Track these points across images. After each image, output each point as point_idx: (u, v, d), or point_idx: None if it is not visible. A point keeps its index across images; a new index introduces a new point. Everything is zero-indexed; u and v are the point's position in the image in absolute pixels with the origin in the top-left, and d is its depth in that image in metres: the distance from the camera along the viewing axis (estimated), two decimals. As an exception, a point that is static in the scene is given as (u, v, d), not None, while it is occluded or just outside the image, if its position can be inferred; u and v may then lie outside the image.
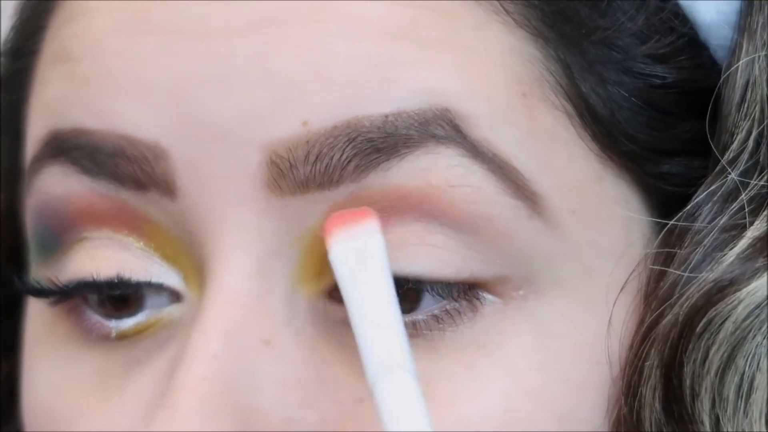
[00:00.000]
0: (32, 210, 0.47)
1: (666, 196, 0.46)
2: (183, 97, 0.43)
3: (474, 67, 0.43)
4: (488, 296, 0.44)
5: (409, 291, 0.43)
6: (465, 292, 0.43)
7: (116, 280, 0.45)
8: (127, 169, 0.44)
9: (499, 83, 0.43)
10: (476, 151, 0.43)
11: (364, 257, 0.42)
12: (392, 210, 0.43)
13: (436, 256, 0.43)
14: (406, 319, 0.43)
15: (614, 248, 0.45)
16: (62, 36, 0.47)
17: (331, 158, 0.42)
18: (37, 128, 0.47)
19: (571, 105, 0.44)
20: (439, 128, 0.43)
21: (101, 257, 0.46)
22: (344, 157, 0.42)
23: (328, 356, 0.44)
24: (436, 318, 0.43)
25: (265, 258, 0.44)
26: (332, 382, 0.43)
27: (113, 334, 0.46)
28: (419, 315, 0.43)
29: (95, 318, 0.46)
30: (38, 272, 0.48)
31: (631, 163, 0.45)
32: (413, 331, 0.43)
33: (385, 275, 0.42)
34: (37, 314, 0.49)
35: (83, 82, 0.45)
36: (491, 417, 0.43)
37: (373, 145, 0.42)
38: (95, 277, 0.45)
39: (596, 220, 0.45)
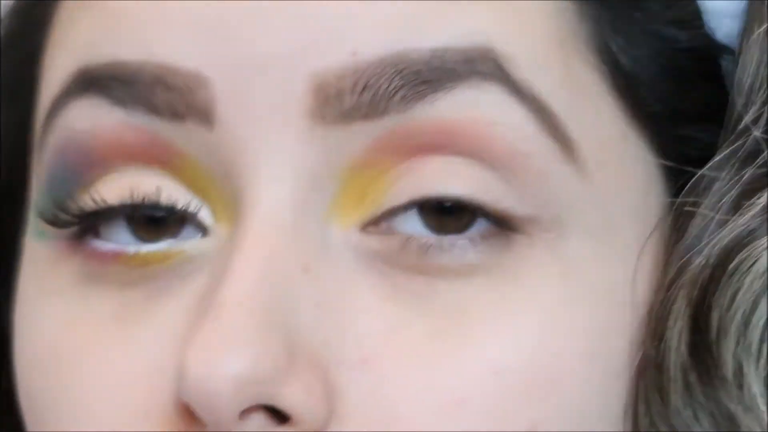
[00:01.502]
0: (52, 150, 0.46)
1: (683, 160, 0.47)
2: (227, 28, 0.44)
3: (516, 13, 0.45)
4: (518, 236, 0.44)
5: (464, 210, 0.44)
6: (499, 224, 0.44)
7: (151, 199, 0.45)
8: (166, 97, 0.44)
9: (539, 30, 0.45)
10: (518, 91, 0.44)
11: None
12: (434, 144, 0.44)
13: (476, 187, 0.44)
14: (445, 243, 0.44)
15: (636, 205, 0.46)
16: None
17: (379, 88, 0.43)
18: (60, 69, 0.47)
19: (602, 61, 0.46)
20: (484, 66, 0.44)
21: (128, 185, 0.45)
22: (392, 87, 0.43)
23: (361, 286, 0.44)
24: (475, 244, 0.44)
25: (304, 188, 0.44)
26: (366, 310, 0.43)
27: (131, 253, 0.45)
28: (457, 239, 0.44)
29: (110, 245, 0.46)
30: (48, 212, 0.47)
31: (653, 124, 0.47)
32: (448, 254, 0.44)
33: None
34: (37, 255, 0.48)
35: (118, 18, 0.45)
36: (521, 346, 0.43)
37: (421, 76, 0.43)
38: (132, 193, 0.45)
39: (620, 175, 0.46)
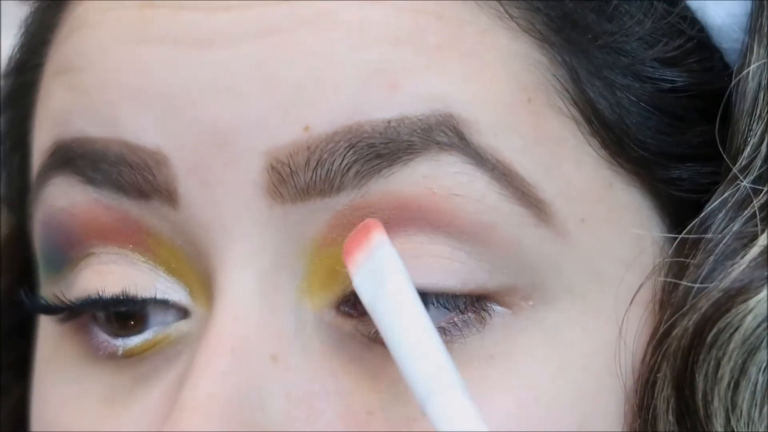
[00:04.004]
0: (39, 223, 0.47)
1: (677, 202, 0.45)
2: (184, 105, 0.43)
3: (478, 73, 0.42)
4: (497, 307, 0.43)
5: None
6: (472, 303, 0.43)
7: (122, 297, 0.45)
8: (130, 177, 0.44)
9: (504, 89, 0.43)
10: (479, 158, 0.42)
11: (383, 276, 0.41)
12: (394, 220, 0.42)
13: (441, 267, 0.42)
14: None
15: (625, 255, 0.44)
16: (65, 49, 0.46)
17: (332, 164, 0.42)
18: (42, 140, 0.47)
19: (578, 111, 0.43)
20: (442, 134, 0.42)
21: (107, 273, 0.45)
22: (345, 162, 0.42)
23: (336, 369, 0.43)
24: (443, 330, 0.42)
25: (270, 270, 0.43)
26: (341, 395, 0.43)
27: (120, 352, 0.45)
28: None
29: (103, 336, 0.46)
30: (47, 289, 0.47)
31: (641, 169, 0.44)
32: None
33: (409, 289, 0.41)
34: (47, 332, 0.49)
35: (86, 92, 0.45)
36: (505, 427, 0.42)
37: (375, 150, 0.42)
38: (101, 294, 0.45)
39: (606, 227, 0.44)
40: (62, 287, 0.46)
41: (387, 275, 0.41)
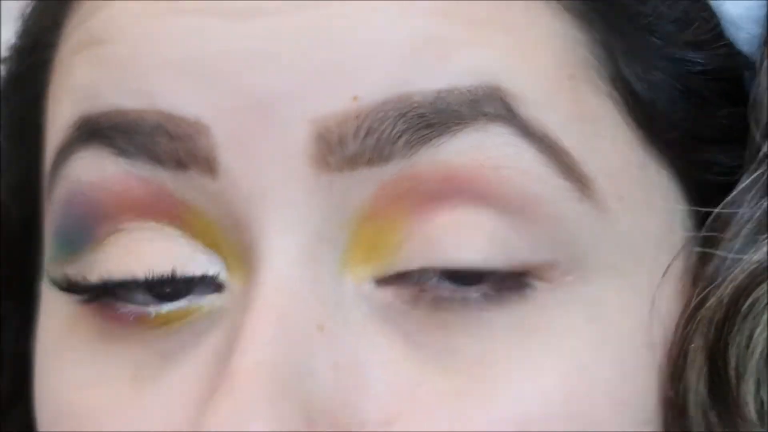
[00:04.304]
0: (59, 202, 0.46)
1: (705, 184, 0.46)
2: (226, 73, 0.43)
3: (523, 47, 0.43)
4: (537, 282, 0.43)
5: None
6: (514, 276, 0.43)
7: (162, 277, 0.44)
8: (167, 146, 0.43)
9: (547, 64, 0.43)
10: (527, 131, 0.42)
11: None
12: (441, 192, 0.42)
13: (486, 240, 0.42)
14: (458, 295, 0.42)
15: (659, 236, 0.45)
16: (90, 24, 0.46)
17: (382, 133, 0.42)
18: (62, 117, 0.46)
19: (616, 90, 0.44)
20: (490, 106, 0.42)
21: (142, 252, 0.44)
22: (395, 131, 0.42)
23: (379, 340, 0.43)
24: (493, 297, 0.43)
25: (314, 240, 0.43)
26: (387, 366, 0.42)
27: (152, 316, 0.44)
28: (472, 292, 0.43)
29: (129, 307, 0.45)
30: (59, 271, 0.46)
31: (672, 151, 0.45)
32: (465, 309, 0.43)
33: None
34: (54, 316, 0.48)
35: (117, 64, 0.44)
36: (550, 398, 0.42)
37: (425, 120, 0.42)
38: (136, 275, 0.44)
39: (641, 207, 0.45)
40: (82, 267, 0.45)
41: None
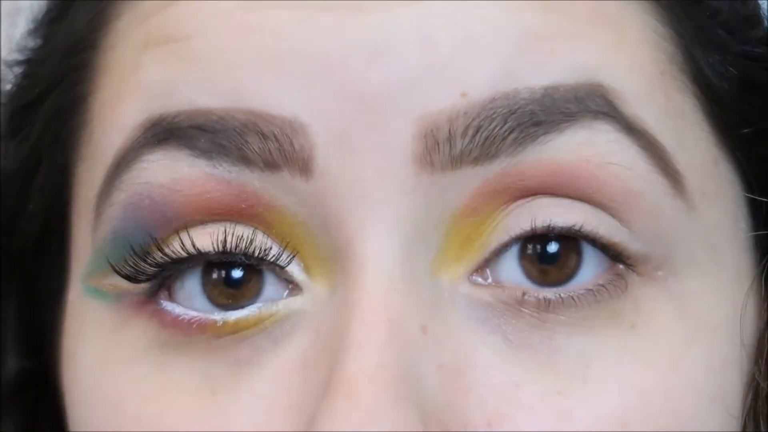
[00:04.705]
0: (120, 206, 0.43)
1: None
2: (329, 68, 0.41)
3: (622, 44, 0.43)
4: (632, 275, 0.43)
5: (570, 253, 0.42)
6: (614, 266, 0.43)
7: (241, 251, 0.42)
8: (259, 147, 0.41)
9: (643, 60, 0.43)
10: (629, 127, 0.42)
11: None
12: (543, 187, 0.42)
13: (586, 217, 0.42)
14: (563, 294, 0.42)
15: (732, 232, 0.46)
16: (159, 21, 0.43)
17: (491, 130, 0.41)
18: (127, 117, 0.43)
19: (697, 86, 0.45)
20: (594, 103, 0.42)
21: (204, 240, 0.42)
22: (504, 128, 0.41)
23: (477, 341, 0.42)
24: (593, 293, 0.42)
25: (411, 240, 0.42)
26: (487, 368, 0.42)
27: (219, 324, 0.42)
28: (577, 289, 0.42)
29: (191, 313, 0.43)
30: (107, 279, 0.44)
31: (741, 146, 0.46)
32: (563, 308, 0.42)
33: None
34: (99, 324, 0.45)
35: (197, 61, 0.42)
36: (649, 395, 0.42)
37: (534, 117, 0.41)
38: (215, 246, 0.42)
39: (718, 203, 0.45)
40: (139, 263, 0.43)
41: None
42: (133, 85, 0.44)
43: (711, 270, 0.44)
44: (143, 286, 0.43)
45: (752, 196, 0.46)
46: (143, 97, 0.43)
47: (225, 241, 0.42)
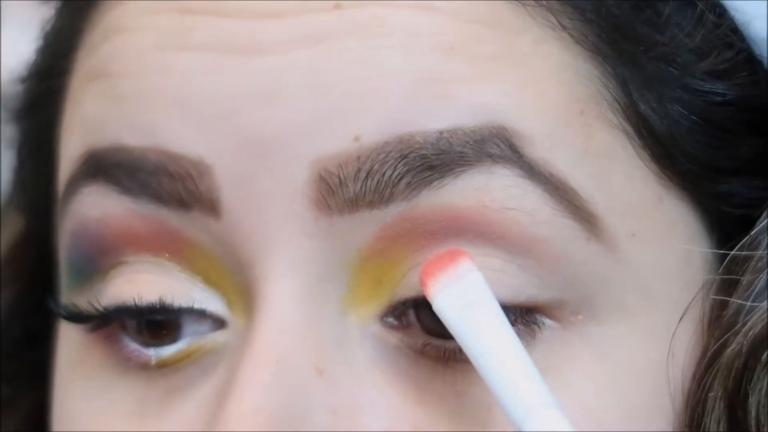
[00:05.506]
0: (68, 233, 0.46)
1: (726, 217, 0.44)
2: (229, 112, 0.42)
3: (531, 83, 0.42)
4: (546, 320, 0.42)
5: None
6: (522, 316, 0.42)
7: (158, 305, 0.44)
8: (170, 186, 0.43)
9: (556, 101, 0.42)
10: (532, 171, 0.41)
11: (470, 300, 0.40)
12: (444, 232, 0.41)
13: (492, 280, 0.41)
14: (457, 345, 0.41)
15: (675, 271, 0.44)
16: (99, 53, 0.45)
17: (383, 175, 0.41)
18: (72, 148, 0.46)
19: (629, 123, 0.43)
20: (495, 147, 0.41)
21: (142, 281, 0.44)
22: (396, 173, 0.41)
23: (381, 383, 0.42)
24: None
25: (315, 281, 0.42)
26: (387, 410, 0.42)
27: (153, 362, 0.44)
28: None
29: (133, 346, 0.45)
30: (71, 299, 0.46)
31: (690, 183, 0.44)
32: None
33: (497, 312, 0.40)
34: (69, 342, 0.48)
35: (121, 99, 0.44)
36: None
37: (427, 161, 0.41)
38: (136, 301, 0.44)
39: (657, 242, 0.43)
40: (90, 296, 0.45)
41: (477, 299, 0.40)
42: (78, 116, 0.46)
43: (641, 313, 0.43)
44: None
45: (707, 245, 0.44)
46: (83, 129, 0.45)
47: (136, 305, 0.44)
